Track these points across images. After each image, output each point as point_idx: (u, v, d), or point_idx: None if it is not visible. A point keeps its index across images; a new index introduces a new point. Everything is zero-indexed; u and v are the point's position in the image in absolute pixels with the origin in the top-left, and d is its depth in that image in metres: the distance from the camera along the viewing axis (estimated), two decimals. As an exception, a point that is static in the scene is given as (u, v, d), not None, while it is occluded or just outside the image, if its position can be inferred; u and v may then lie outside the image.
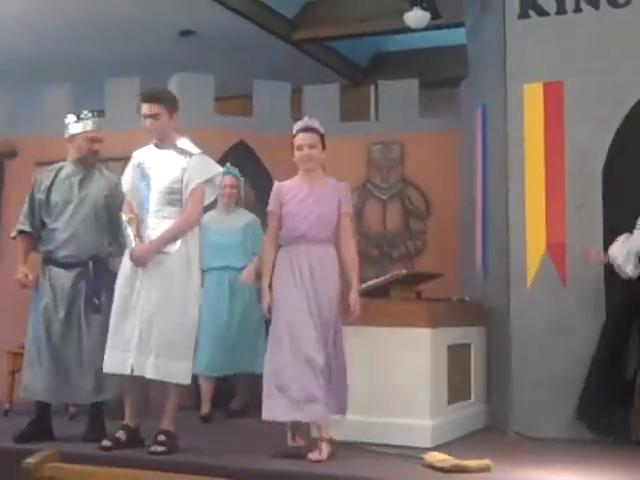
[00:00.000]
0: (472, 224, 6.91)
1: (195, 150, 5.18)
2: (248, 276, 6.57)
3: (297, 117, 7.88)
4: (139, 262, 4.98)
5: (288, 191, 5.06)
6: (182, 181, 5.05)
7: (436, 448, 5.01)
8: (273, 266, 5.03)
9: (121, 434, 5.05)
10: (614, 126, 5.91)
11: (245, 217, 6.77)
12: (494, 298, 6.27)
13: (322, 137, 5.09)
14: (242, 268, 6.59)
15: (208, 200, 5.26)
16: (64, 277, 5.41)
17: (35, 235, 5.54)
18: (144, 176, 5.13)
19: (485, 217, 6.62)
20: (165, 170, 5.08)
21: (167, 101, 5.18)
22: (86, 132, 5.53)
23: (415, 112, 7.91)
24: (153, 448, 4.91)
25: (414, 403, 5.28)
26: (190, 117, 7.46)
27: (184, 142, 5.20)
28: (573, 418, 5.66)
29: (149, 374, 4.90)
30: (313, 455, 4.77)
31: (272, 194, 5.11)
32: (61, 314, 5.37)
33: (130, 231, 5.05)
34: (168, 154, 5.14)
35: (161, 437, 4.97)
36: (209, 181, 5.15)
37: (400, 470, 4.65)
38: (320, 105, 7.79)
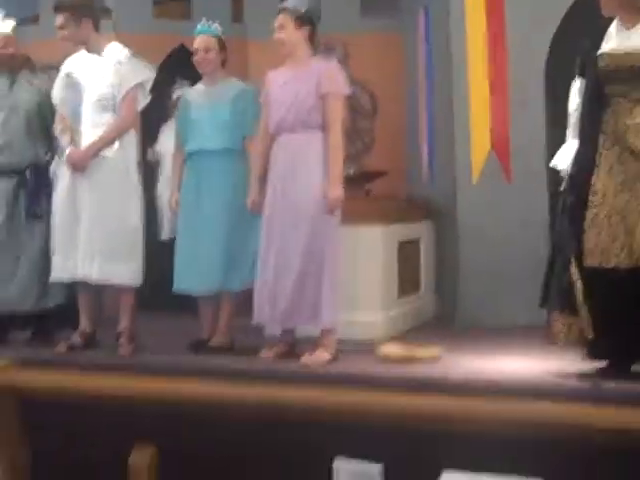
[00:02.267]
0: (418, 122, 6.96)
1: (125, 54, 5.08)
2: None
3: (238, 19, 7.84)
4: (77, 167, 4.94)
5: (274, 78, 4.78)
6: (114, 86, 4.98)
7: (389, 340, 5.14)
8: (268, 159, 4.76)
9: (76, 338, 5.06)
10: (554, 25, 5.98)
11: (234, 87, 5.24)
12: (441, 195, 6.38)
13: (299, 16, 4.66)
14: (230, 151, 5.13)
15: (140, 106, 5.12)
16: (2, 186, 5.30)
17: None
18: (75, 85, 5.04)
19: (430, 115, 6.67)
20: (96, 77, 4.99)
21: (71, 8, 4.99)
22: None
23: (357, 12, 7.84)
24: (121, 341, 4.96)
25: (366, 298, 5.41)
26: (129, 23, 7.40)
27: (113, 46, 5.10)
28: (518, 308, 5.65)
29: (95, 278, 4.91)
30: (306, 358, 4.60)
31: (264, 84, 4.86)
32: None
33: (65, 140, 4.98)
34: (98, 60, 5.05)
35: (123, 336, 5.00)
36: (140, 85, 5.07)
37: (356, 362, 4.76)
38: (261, 5, 7.65)
